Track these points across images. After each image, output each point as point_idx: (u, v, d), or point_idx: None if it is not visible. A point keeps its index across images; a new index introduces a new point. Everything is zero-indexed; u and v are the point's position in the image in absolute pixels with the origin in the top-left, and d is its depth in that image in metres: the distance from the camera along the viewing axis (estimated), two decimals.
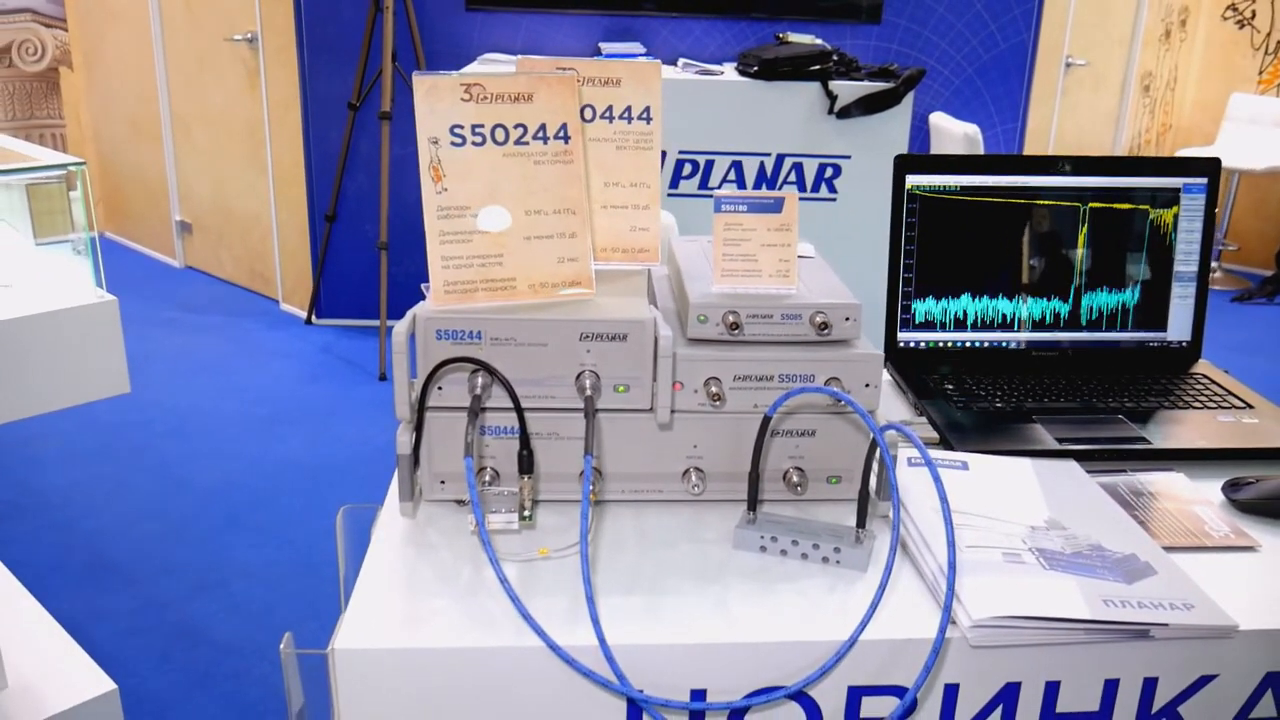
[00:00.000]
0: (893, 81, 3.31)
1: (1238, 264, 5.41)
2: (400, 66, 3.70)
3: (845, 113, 3.33)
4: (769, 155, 3.40)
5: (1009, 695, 0.84)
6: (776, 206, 1.00)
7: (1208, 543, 0.96)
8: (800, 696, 0.82)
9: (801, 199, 3.46)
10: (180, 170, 4.65)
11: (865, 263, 3.42)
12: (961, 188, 1.31)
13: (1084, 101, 4.66)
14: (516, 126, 0.98)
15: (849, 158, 3.42)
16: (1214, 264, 5.26)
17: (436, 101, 0.96)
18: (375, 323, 4.05)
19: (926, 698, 0.83)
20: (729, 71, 3.54)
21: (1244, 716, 0.87)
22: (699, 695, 0.81)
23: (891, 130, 3.40)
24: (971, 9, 3.84)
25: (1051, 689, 0.84)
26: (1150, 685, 0.85)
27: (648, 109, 1.11)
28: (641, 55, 3.66)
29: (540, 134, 0.98)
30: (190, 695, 2.04)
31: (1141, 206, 1.33)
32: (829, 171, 3.43)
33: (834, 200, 3.46)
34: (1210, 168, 1.33)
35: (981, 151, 3.47)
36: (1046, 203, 1.32)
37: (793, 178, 3.43)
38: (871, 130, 3.38)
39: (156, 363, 3.68)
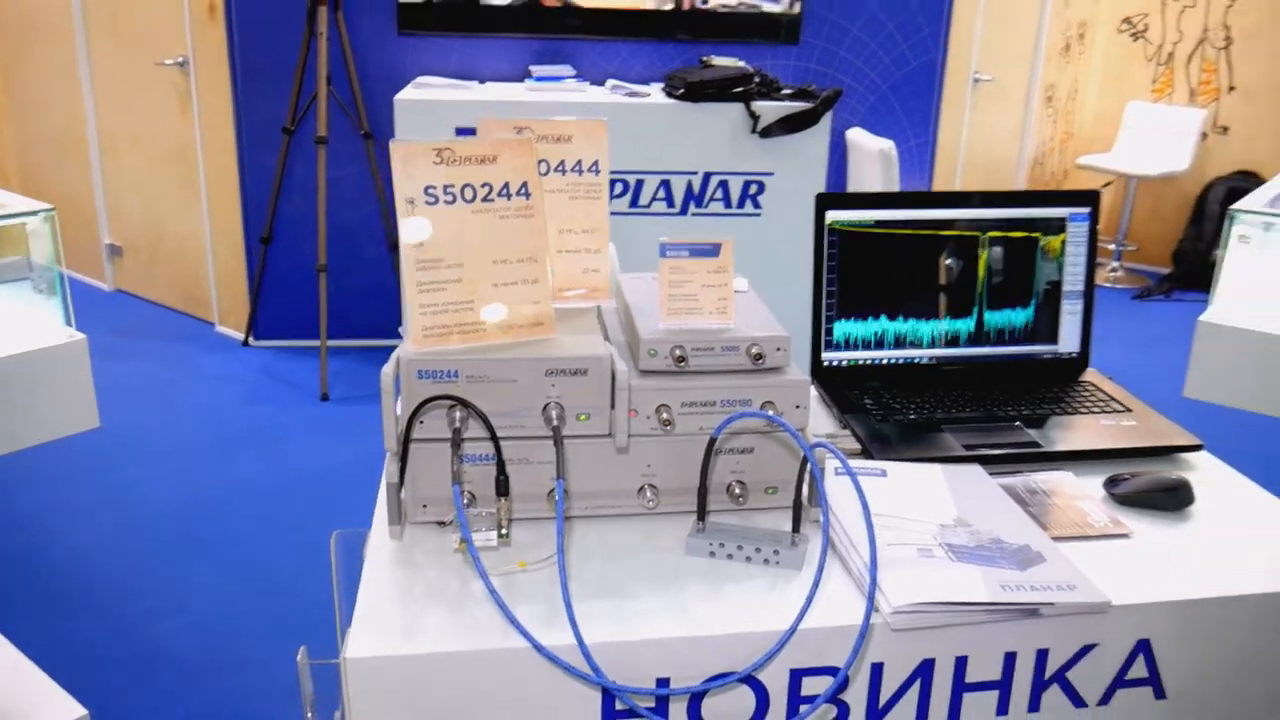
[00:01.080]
0: (812, 101, 3.48)
1: (1138, 263, 5.71)
2: (335, 90, 3.77)
3: (768, 132, 3.50)
4: (696, 173, 3.55)
5: (925, 670, 0.98)
6: (715, 251, 1.14)
7: (1090, 532, 1.12)
8: (750, 680, 0.95)
9: (727, 214, 3.62)
10: (109, 193, 4.65)
11: (788, 274, 3.60)
12: (875, 221, 1.46)
13: (991, 114, 4.91)
14: (483, 185, 1.10)
15: (772, 174, 3.59)
16: (1115, 264, 5.56)
17: (412, 166, 1.07)
18: (313, 343, 4.11)
19: (856, 675, 0.97)
20: (656, 93, 3.69)
21: (1121, 678, 1.02)
22: (663, 683, 0.94)
23: (812, 147, 3.57)
24: (884, 29, 4.04)
25: (961, 663, 0.99)
26: (1042, 655, 1.00)
27: (596, 162, 1.24)
28: (570, 77, 3.79)
29: (504, 191, 1.11)
30: (161, 718, 2.11)
31: (1033, 234, 1.50)
32: (753, 188, 3.59)
33: (758, 215, 3.62)
34: (1091, 199, 1.51)
35: (896, 165, 3.67)
36: (950, 233, 1.48)
37: (719, 194, 3.59)
38: (793, 148, 3.56)
39: (98, 389, 3.69)
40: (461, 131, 3.43)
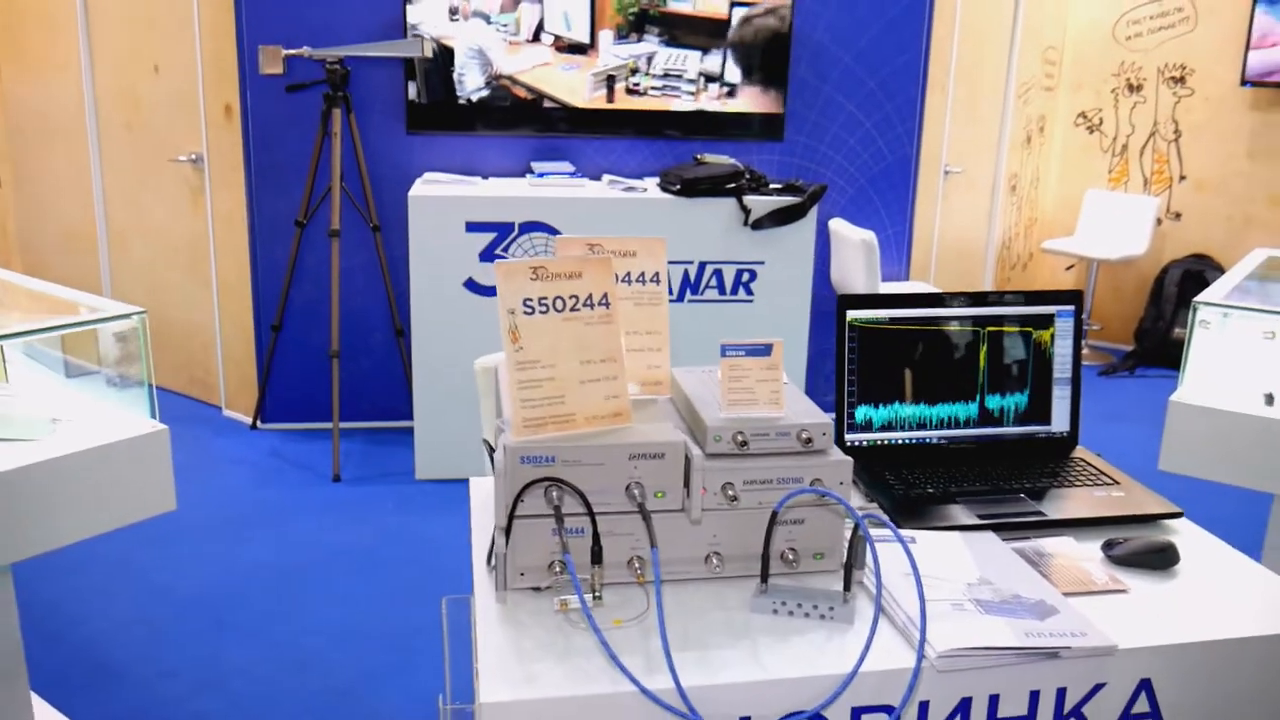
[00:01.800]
0: (799, 196, 3.73)
1: (1103, 341, 6.00)
2: (346, 186, 3.98)
3: (759, 224, 3.74)
4: (692, 263, 3.78)
5: (964, 707, 1.15)
6: (767, 351, 1.33)
7: (1093, 588, 1.30)
8: (818, 717, 1.12)
9: (722, 300, 3.84)
10: (115, 281, 4.80)
11: (783, 355, 3.83)
12: (890, 319, 1.66)
13: (961, 203, 5.20)
14: (571, 297, 1.29)
15: (763, 263, 3.82)
16: (1082, 343, 5.83)
17: (512, 281, 1.26)
18: (320, 425, 4.25)
19: (907, 712, 1.14)
20: (651, 187, 3.92)
21: (1127, 713, 1.20)
22: (745, 719, 1.10)
23: (799, 238, 3.81)
24: (861, 127, 4.33)
25: (994, 700, 1.16)
26: (1061, 693, 1.17)
27: (656, 274, 1.44)
28: (570, 174, 4.02)
29: (588, 302, 1.29)
30: None
31: (1026, 329, 1.71)
32: (746, 276, 3.82)
33: (751, 301, 3.84)
34: (1075, 298, 1.72)
35: (877, 253, 3.92)
36: (954, 328, 1.68)
37: (714, 282, 3.81)
38: (782, 239, 3.80)
39: None
40: (472, 226, 3.63)
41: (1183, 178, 5.72)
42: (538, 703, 1.06)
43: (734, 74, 4.05)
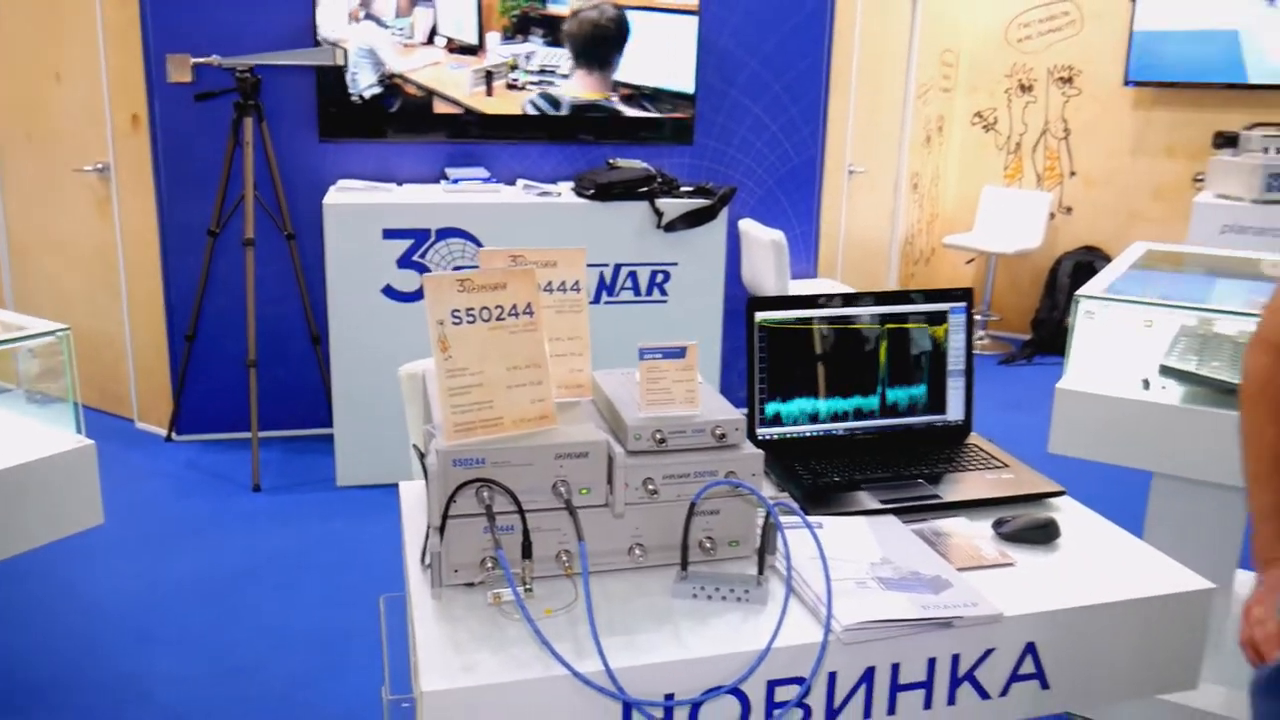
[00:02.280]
0: (710, 199, 3.85)
1: (1002, 331, 6.25)
2: (260, 195, 3.97)
3: (671, 227, 3.84)
4: (608, 265, 3.86)
5: (869, 676, 1.26)
6: (682, 354, 1.42)
7: (984, 563, 1.42)
8: (736, 691, 1.21)
9: (637, 301, 3.93)
10: (18, 294, 4.70)
11: (698, 354, 3.93)
12: (796, 319, 1.77)
13: (865, 201, 5.38)
14: (496, 307, 1.36)
15: (676, 264, 3.92)
16: (982, 333, 6.08)
17: (440, 294, 1.33)
18: (238, 436, 4.23)
19: (817, 683, 1.24)
20: (565, 191, 4.00)
21: (1015, 674, 1.32)
22: (670, 697, 1.19)
23: (711, 239, 3.93)
24: (768, 130, 4.46)
25: (895, 668, 1.27)
26: (955, 659, 1.29)
27: (576, 282, 1.52)
28: (484, 179, 4.07)
29: (513, 311, 1.37)
30: None
31: (922, 325, 1.83)
32: (660, 277, 3.92)
33: (665, 301, 3.95)
34: (966, 295, 1.85)
35: (786, 252, 4.05)
36: (856, 326, 1.80)
37: (629, 284, 3.90)
38: (694, 240, 3.90)
39: None
40: (389, 233, 3.66)
41: (1073, 174, 6.00)
42: (475, 690, 1.13)
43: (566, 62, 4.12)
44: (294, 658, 2.75)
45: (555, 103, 4.04)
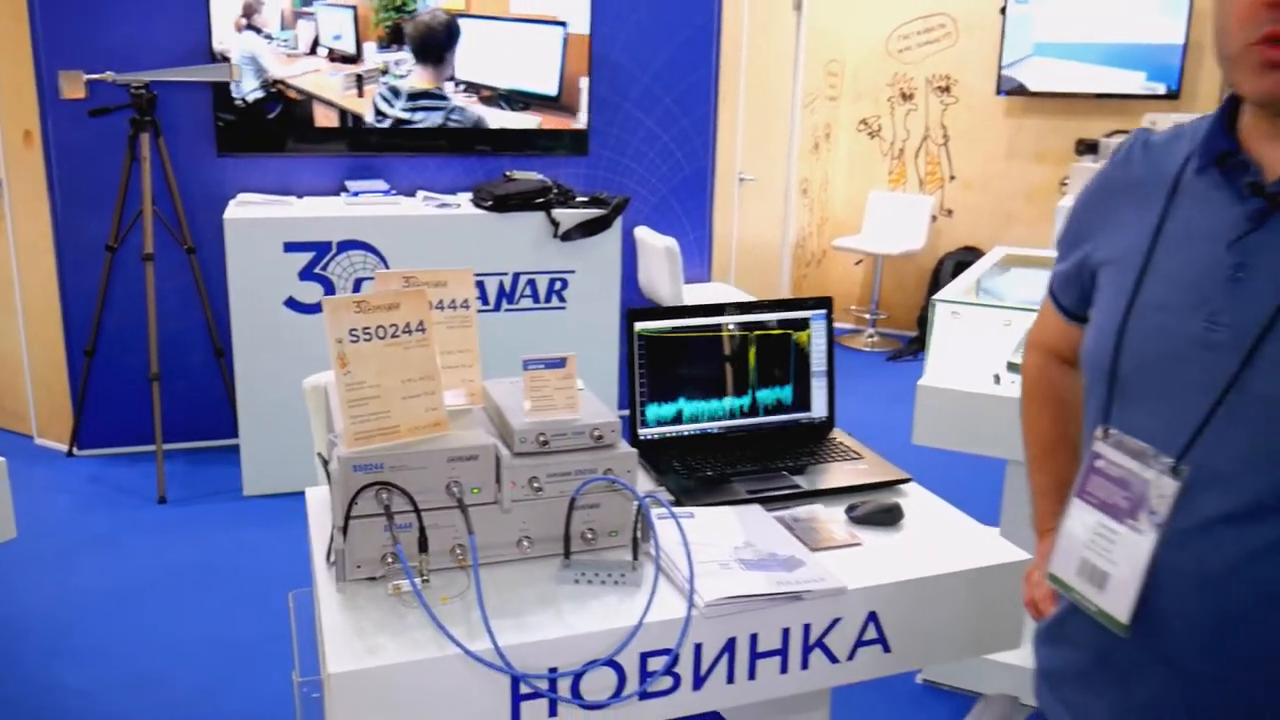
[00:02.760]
0: (605, 209, 4.01)
1: (889, 328, 6.54)
2: (159, 210, 4.00)
3: (568, 236, 3.99)
4: (507, 274, 3.99)
5: (730, 645, 1.43)
6: (562, 364, 1.57)
7: (835, 544, 1.61)
8: (612, 662, 1.37)
9: (536, 308, 4.07)
10: None
11: (592, 357, 4.08)
12: (672, 328, 1.93)
13: (756, 207, 5.61)
14: (391, 325, 1.49)
15: (574, 272, 4.07)
16: (871, 330, 6.36)
17: (338, 315, 1.46)
18: (141, 449, 4.25)
19: (684, 652, 1.40)
20: (465, 202, 4.12)
21: (860, 639, 1.50)
22: (553, 670, 1.34)
23: (607, 247, 4.09)
24: (660, 140, 4.64)
25: (754, 638, 1.44)
26: (807, 628, 1.46)
27: (466, 300, 1.66)
28: (384, 192, 4.17)
29: (407, 329, 1.50)
30: None
31: (787, 331, 2.01)
32: (558, 285, 4.06)
33: (564, 308, 4.09)
34: (826, 303, 2.04)
35: (679, 258, 4.23)
36: (727, 333, 1.97)
37: (528, 291, 4.04)
38: (590, 248, 4.06)
39: None
40: (290, 246, 3.74)
41: (952, 178, 6.32)
42: (379, 670, 1.27)
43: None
44: (203, 665, 2.83)
45: (396, 93, 4.15)
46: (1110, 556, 1.13)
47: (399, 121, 4.20)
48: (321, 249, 3.78)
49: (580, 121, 4.42)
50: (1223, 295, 1.06)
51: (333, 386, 1.63)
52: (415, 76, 4.20)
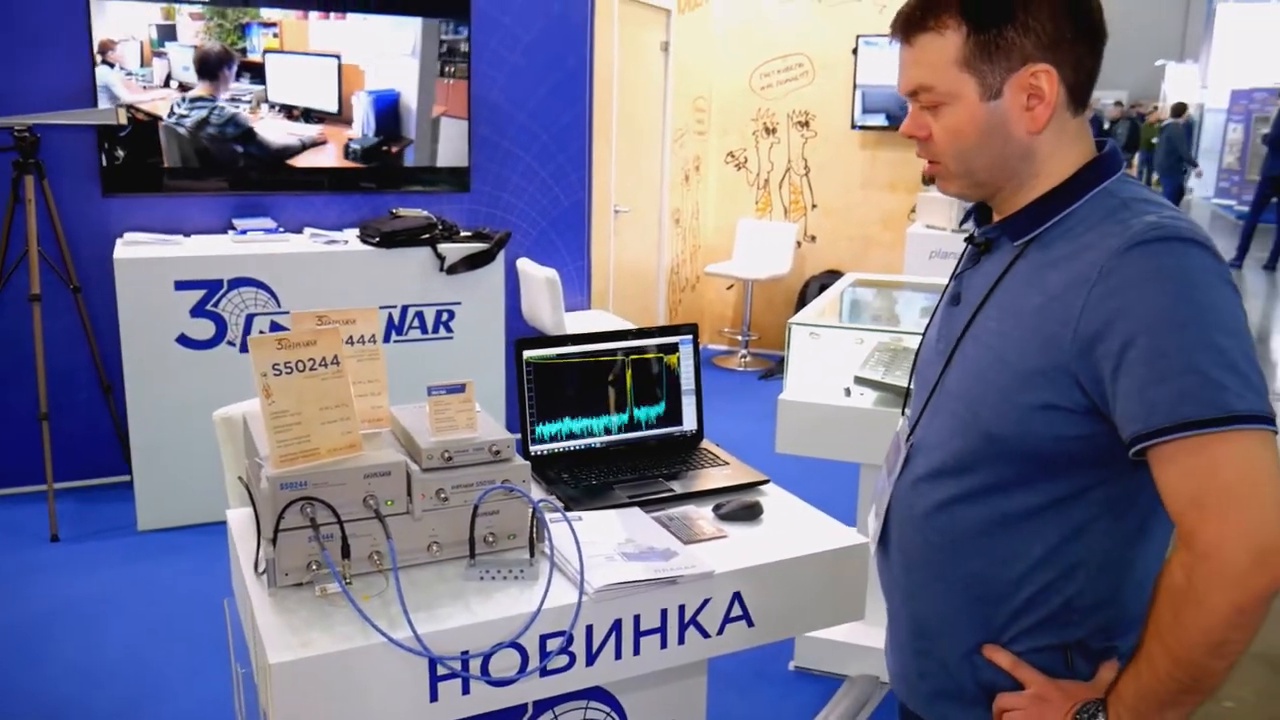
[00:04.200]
0: (488, 243, 4.22)
1: (761, 349, 6.91)
2: (44, 251, 4.04)
3: (453, 269, 4.19)
4: (396, 307, 4.17)
5: (617, 625, 1.66)
6: (462, 389, 1.79)
7: (705, 537, 1.86)
8: (515, 644, 1.59)
9: (425, 339, 4.25)
10: None
11: (481, 382, 4.27)
12: (557, 355, 2.17)
13: (632, 237, 5.89)
14: (310, 360, 1.69)
15: (460, 304, 4.27)
16: (744, 351, 6.71)
17: (262, 351, 1.65)
18: (31, 489, 4.25)
19: (577, 633, 1.63)
20: (352, 239, 4.28)
21: (728, 617, 1.76)
22: (465, 653, 1.55)
23: (491, 279, 4.30)
24: (538, 176, 4.89)
25: (637, 619, 1.67)
26: (681, 609, 1.71)
27: (373, 335, 1.87)
28: (271, 229, 4.29)
29: (323, 363, 1.70)
30: None
31: (659, 355, 2.27)
32: (445, 316, 4.25)
33: (451, 338, 4.29)
34: (692, 329, 2.30)
35: (560, 288, 4.47)
36: (607, 358, 2.22)
37: (416, 323, 4.22)
38: (475, 281, 4.27)
39: None
40: (180, 285, 3.84)
41: (814, 206, 6.73)
42: (312, 659, 1.46)
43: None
44: (115, 692, 2.92)
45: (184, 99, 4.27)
46: (879, 502, 1.54)
47: (181, 117, 4.27)
48: (213, 286, 3.89)
49: (356, 131, 4.54)
50: (946, 318, 1.45)
51: (253, 416, 1.82)
52: (200, 87, 4.29)
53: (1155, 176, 19.19)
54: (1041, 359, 1.25)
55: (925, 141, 1.36)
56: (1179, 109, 13.87)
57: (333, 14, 4.30)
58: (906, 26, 1.33)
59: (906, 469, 1.45)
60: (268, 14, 4.21)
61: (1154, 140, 21.05)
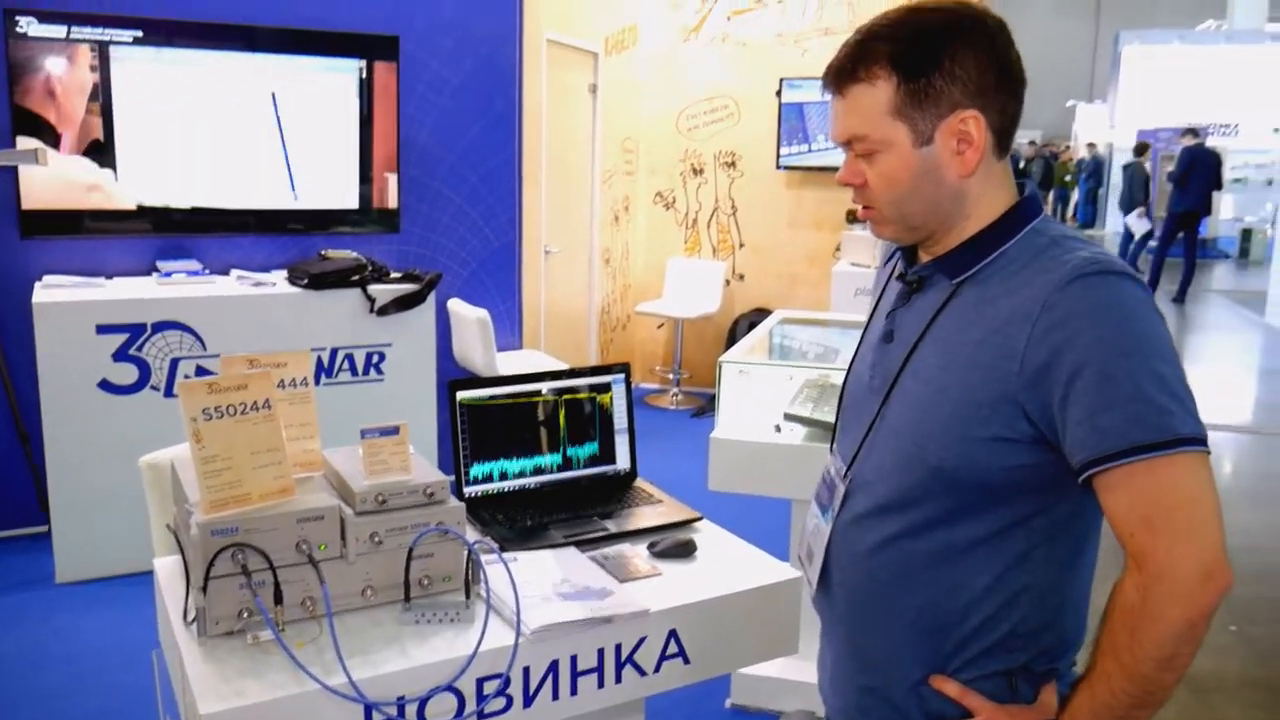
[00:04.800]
0: (418, 284, 4.21)
1: (693, 386, 6.96)
2: None
3: (383, 311, 4.17)
4: (325, 349, 4.13)
5: (554, 667, 1.66)
6: (396, 431, 1.79)
7: (640, 575, 1.87)
8: (452, 688, 1.58)
9: (355, 381, 4.21)
10: None
11: (413, 424, 4.25)
12: (490, 396, 2.18)
13: (562, 276, 5.92)
14: (241, 404, 1.68)
15: (391, 345, 4.25)
16: (676, 389, 6.76)
17: (192, 396, 1.63)
18: None
19: (514, 675, 1.63)
20: (280, 281, 4.23)
21: (664, 655, 1.77)
22: (401, 698, 1.54)
23: (421, 320, 4.29)
24: (468, 218, 4.90)
25: (574, 659, 1.68)
26: (618, 647, 1.72)
27: (305, 378, 1.86)
28: (197, 271, 4.23)
29: (254, 406, 1.69)
30: None
31: (592, 394, 2.29)
32: (376, 358, 4.23)
33: (382, 380, 4.26)
34: (625, 369, 2.33)
35: (491, 329, 4.47)
36: (540, 398, 2.23)
37: (346, 366, 4.18)
38: (406, 322, 4.25)
39: None
40: (102, 329, 3.76)
41: (742, 245, 6.84)
42: (245, 708, 1.44)
43: None
44: None
45: None
46: (814, 541, 1.53)
47: None
48: (136, 330, 3.82)
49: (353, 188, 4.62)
50: (879, 354, 1.47)
51: (182, 461, 1.80)
52: None
53: (1086, 212, 19.88)
54: (986, 391, 1.30)
55: (861, 188, 1.40)
56: (1141, 148, 14.21)
57: (260, 54, 4.28)
58: (838, 78, 1.37)
59: (846, 506, 1.46)
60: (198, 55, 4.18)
61: (1067, 178, 21.79)
